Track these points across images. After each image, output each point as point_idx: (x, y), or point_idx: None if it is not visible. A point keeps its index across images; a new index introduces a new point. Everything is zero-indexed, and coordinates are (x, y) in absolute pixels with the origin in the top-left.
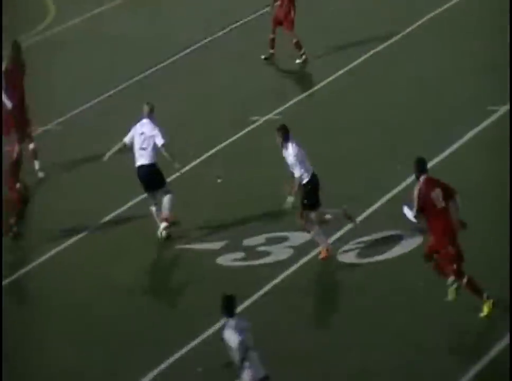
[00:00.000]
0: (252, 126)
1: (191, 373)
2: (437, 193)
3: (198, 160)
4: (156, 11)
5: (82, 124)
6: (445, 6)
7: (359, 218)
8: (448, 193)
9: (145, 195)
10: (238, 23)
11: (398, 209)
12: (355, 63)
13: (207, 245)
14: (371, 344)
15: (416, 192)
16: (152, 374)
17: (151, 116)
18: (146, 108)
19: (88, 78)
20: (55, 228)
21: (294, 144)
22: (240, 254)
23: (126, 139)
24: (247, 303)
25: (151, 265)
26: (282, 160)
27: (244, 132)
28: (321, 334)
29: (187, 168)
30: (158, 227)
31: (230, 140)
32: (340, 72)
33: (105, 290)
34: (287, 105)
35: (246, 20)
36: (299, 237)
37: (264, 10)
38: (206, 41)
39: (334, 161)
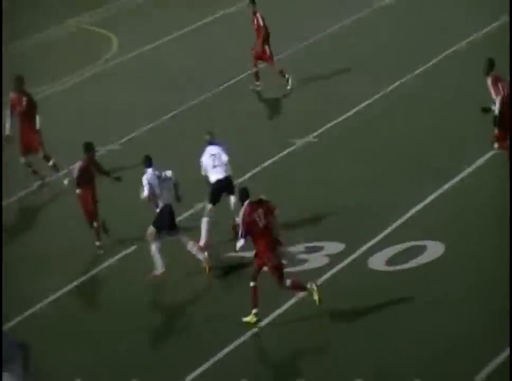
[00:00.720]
0: (291, 148)
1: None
2: (258, 214)
3: (246, 175)
4: (205, 42)
5: (139, 145)
6: (468, 39)
7: (391, 228)
8: (269, 211)
9: (196, 208)
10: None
11: (424, 222)
12: (390, 88)
13: (251, 253)
14: (393, 347)
15: (241, 216)
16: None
17: (213, 142)
18: (207, 137)
19: (144, 104)
20: (114, 238)
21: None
22: None
23: (203, 169)
24: (285, 307)
25: (200, 268)
26: (317, 178)
27: (284, 152)
28: (351, 335)
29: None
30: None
31: (272, 160)
32: (376, 97)
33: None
34: (324, 128)
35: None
36: (333, 247)
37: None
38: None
39: (368, 176)
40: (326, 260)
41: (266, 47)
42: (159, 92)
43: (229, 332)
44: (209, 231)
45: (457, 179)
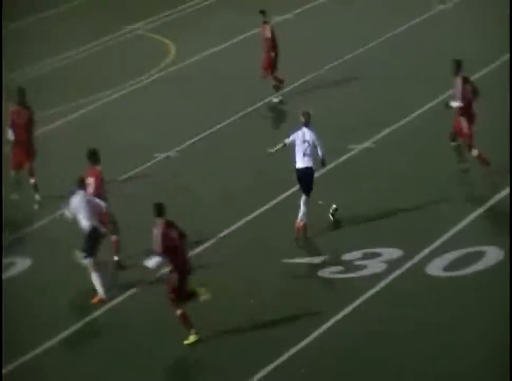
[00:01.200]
0: (350, 154)
1: (296, 374)
2: (174, 234)
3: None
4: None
5: (197, 152)
6: None
7: (449, 234)
8: (182, 234)
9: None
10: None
11: (483, 227)
12: (445, 95)
13: (310, 259)
14: (451, 354)
15: (159, 235)
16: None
17: (308, 124)
18: (303, 118)
19: (202, 111)
20: None
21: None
22: (339, 268)
23: (287, 140)
24: (346, 311)
25: (261, 274)
26: (375, 184)
27: (342, 158)
28: (409, 341)
29: (289, 193)
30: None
31: (331, 166)
32: (430, 104)
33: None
34: (381, 134)
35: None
36: (391, 253)
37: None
38: (311, 76)
39: (426, 182)
40: (384, 266)
41: (271, 55)
42: (216, 98)
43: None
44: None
45: None
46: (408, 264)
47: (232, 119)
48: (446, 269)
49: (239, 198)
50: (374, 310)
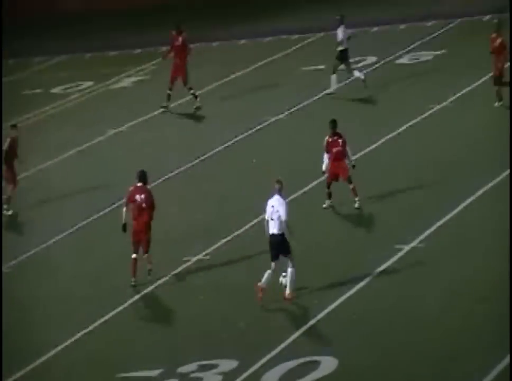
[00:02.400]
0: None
1: None
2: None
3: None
4: None
5: None
6: None
7: (285, 344)
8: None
9: None
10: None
11: (316, 338)
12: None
13: (146, 372)
14: None
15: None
16: None
17: (281, 192)
18: (277, 185)
19: None
20: None
21: None
22: None
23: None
24: None
25: None
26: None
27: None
28: None
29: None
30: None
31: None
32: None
33: None
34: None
35: None
36: (227, 364)
37: None
38: None
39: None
40: (219, 378)
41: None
42: None
43: None
44: None
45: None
46: (244, 376)
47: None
48: (282, 379)
49: None
50: None
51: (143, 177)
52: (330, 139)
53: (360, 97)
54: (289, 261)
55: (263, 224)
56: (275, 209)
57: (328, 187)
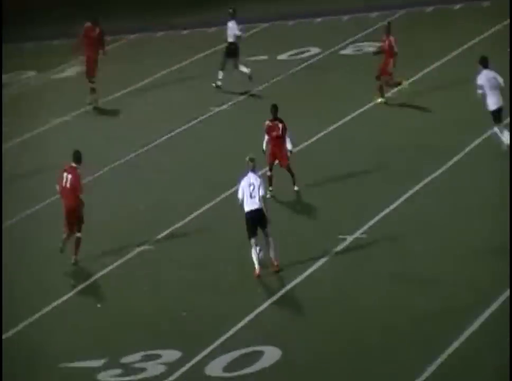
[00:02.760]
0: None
1: None
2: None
3: None
4: None
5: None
6: None
7: (228, 334)
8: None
9: None
10: None
11: (260, 328)
12: None
13: (89, 362)
14: None
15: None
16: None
17: (255, 169)
18: (250, 163)
19: None
20: None
21: None
22: (118, 371)
23: (240, 195)
24: None
25: None
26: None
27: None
28: None
29: None
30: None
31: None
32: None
33: None
34: None
35: None
36: (170, 355)
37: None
38: None
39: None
40: (163, 368)
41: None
42: None
43: None
44: None
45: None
46: (187, 366)
47: None
48: (226, 369)
49: None
50: None
51: (75, 157)
52: (270, 124)
53: (307, 87)
54: (267, 233)
55: (206, 215)
56: (256, 186)
57: (270, 169)
